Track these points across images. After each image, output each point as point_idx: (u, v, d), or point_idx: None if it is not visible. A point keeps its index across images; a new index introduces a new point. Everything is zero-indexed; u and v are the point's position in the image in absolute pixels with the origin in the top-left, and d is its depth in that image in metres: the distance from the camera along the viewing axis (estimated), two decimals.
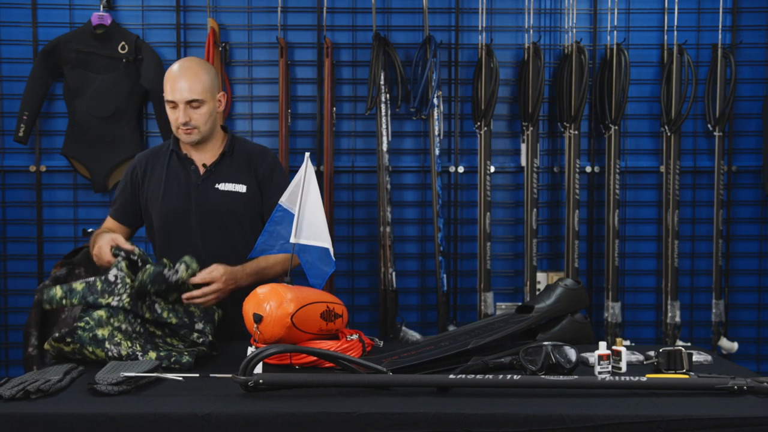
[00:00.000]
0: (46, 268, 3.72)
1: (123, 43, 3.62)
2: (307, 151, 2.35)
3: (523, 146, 3.73)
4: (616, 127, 3.67)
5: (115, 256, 2.35)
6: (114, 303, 2.21)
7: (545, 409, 1.73)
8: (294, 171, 2.33)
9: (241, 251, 2.54)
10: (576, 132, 3.65)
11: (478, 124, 3.67)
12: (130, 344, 2.17)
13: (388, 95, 3.65)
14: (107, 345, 2.14)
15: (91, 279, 2.28)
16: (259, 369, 1.90)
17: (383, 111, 3.64)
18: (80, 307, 2.25)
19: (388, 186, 3.67)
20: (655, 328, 3.85)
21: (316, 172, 3.48)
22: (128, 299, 2.23)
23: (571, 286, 2.43)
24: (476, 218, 3.72)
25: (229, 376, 1.85)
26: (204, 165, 2.67)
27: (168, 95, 2.59)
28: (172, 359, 2.13)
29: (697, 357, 2.19)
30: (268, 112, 3.76)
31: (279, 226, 2.30)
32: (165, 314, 2.30)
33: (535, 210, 3.68)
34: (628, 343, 3.13)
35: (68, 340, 2.12)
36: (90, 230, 3.55)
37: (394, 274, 3.66)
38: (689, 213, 3.82)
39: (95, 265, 3.19)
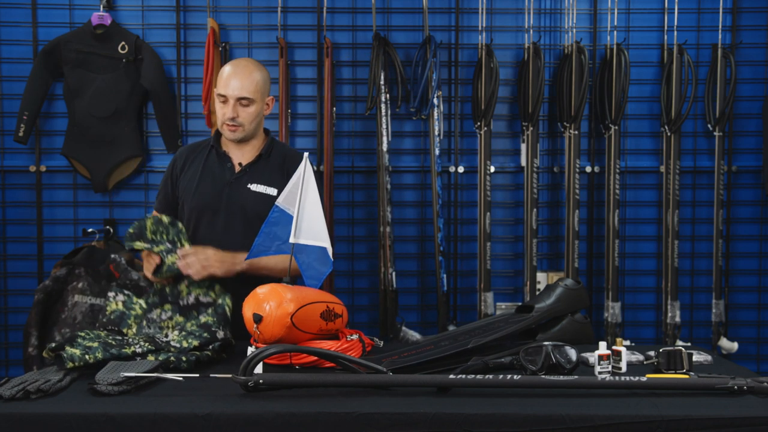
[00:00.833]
0: (46, 268, 3.72)
1: (123, 43, 3.62)
2: (306, 151, 2.35)
3: (523, 146, 3.73)
4: (616, 127, 3.67)
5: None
6: (138, 350, 2.13)
7: (545, 409, 1.73)
8: None
9: None
10: (576, 132, 3.65)
11: (478, 124, 3.67)
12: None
13: (388, 95, 3.65)
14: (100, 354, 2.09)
15: (101, 333, 2.23)
16: (259, 369, 1.90)
17: (383, 111, 3.64)
18: (80, 310, 2.25)
19: (388, 186, 3.67)
20: (655, 328, 3.85)
21: (316, 172, 3.48)
22: (147, 343, 2.17)
23: (571, 286, 2.43)
24: (476, 218, 3.72)
25: (229, 376, 1.85)
26: (240, 164, 2.71)
27: (220, 89, 2.65)
28: (171, 361, 2.11)
29: (697, 357, 2.19)
30: None
31: (276, 227, 2.30)
32: (184, 343, 2.22)
33: (535, 210, 3.68)
34: (628, 343, 3.13)
35: (67, 347, 2.09)
36: (90, 230, 3.55)
37: (394, 274, 3.65)
38: (689, 213, 3.82)
39: (95, 264, 3.20)
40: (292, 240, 2.21)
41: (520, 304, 3.10)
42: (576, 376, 1.91)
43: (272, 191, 2.67)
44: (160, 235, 2.47)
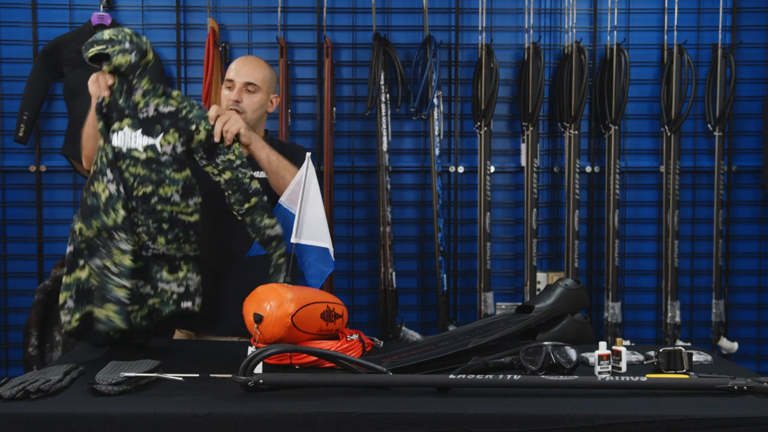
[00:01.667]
0: (46, 268, 3.72)
1: None
2: (307, 151, 2.36)
3: (523, 146, 3.73)
4: (616, 127, 3.67)
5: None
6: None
7: (545, 409, 1.73)
8: None
9: None
10: (576, 132, 3.65)
11: (478, 124, 3.67)
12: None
13: (388, 95, 3.65)
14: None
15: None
16: (259, 369, 1.90)
17: (383, 111, 3.64)
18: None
19: (388, 186, 3.67)
20: (655, 328, 3.85)
21: (316, 172, 3.47)
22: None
23: (571, 286, 2.43)
24: (476, 218, 3.72)
25: (229, 376, 1.85)
26: None
27: (229, 75, 2.68)
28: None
29: (697, 357, 2.18)
30: None
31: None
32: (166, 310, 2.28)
33: (535, 210, 3.68)
34: (628, 343, 3.13)
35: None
36: None
37: (394, 274, 3.65)
38: (689, 213, 3.82)
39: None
40: (293, 240, 2.22)
41: (520, 304, 3.09)
42: (576, 376, 1.91)
43: (263, 175, 2.66)
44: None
